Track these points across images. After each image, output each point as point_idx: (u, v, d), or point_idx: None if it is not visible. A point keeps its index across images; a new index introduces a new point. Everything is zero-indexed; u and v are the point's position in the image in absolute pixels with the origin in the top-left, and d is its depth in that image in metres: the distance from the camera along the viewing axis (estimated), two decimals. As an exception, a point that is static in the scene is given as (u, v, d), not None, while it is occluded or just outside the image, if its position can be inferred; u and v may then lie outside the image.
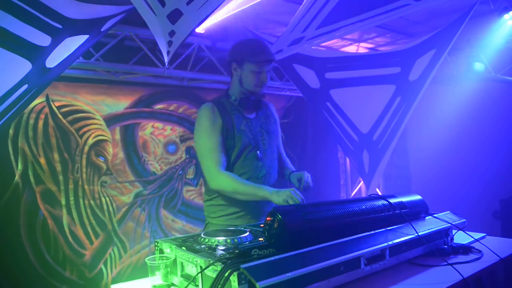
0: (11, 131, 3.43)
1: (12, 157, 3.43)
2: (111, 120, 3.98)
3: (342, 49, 5.18)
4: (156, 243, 1.66)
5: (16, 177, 3.44)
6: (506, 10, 3.84)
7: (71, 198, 3.67)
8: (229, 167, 2.19)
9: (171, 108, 4.40)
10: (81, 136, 3.78)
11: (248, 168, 2.21)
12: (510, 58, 4.89)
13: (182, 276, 1.50)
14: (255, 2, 3.09)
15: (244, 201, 2.15)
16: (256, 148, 2.23)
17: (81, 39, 2.42)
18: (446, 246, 1.81)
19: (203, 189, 4.54)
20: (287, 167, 2.45)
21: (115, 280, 3.86)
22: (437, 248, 1.77)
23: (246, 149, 2.20)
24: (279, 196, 1.96)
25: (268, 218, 1.44)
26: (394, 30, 4.64)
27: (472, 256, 1.74)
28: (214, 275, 1.25)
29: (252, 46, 2.25)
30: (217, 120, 2.17)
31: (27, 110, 3.47)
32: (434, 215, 1.93)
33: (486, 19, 4.10)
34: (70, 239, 3.63)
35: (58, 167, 3.63)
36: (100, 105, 3.92)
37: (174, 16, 2.33)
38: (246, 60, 2.19)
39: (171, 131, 4.38)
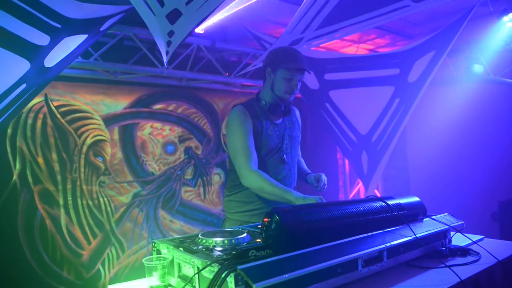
0: (9, 131, 3.42)
1: (10, 156, 3.42)
2: (109, 120, 3.98)
3: (342, 50, 5.18)
4: (153, 244, 1.66)
5: (14, 177, 3.43)
6: (505, 12, 3.84)
7: (69, 198, 3.67)
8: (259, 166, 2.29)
9: (170, 108, 4.40)
10: (79, 136, 3.77)
11: (270, 170, 2.30)
12: (509, 60, 4.89)
13: (179, 277, 1.49)
14: (254, 1, 3.09)
15: (261, 201, 2.25)
16: (280, 152, 2.33)
17: (80, 38, 2.41)
18: (444, 248, 1.81)
19: (201, 189, 4.55)
20: (302, 168, 2.57)
21: (112, 281, 3.85)
22: (435, 250, 1.77)
23: (272, 152, 2.31)
24: (305, 202, 2.02)
25: (265, 219, 1.43)
26: (394, 31, 4.64)
27: (470, 258, 1.73)
28: (211, 276, 1.24)
29: (288, 53, 2.33)
30: (249, 121, 2.27)
31: (25, 110, 3.47)
32: (432, 217, 1.93)
33: (485, 21, 4.10)
34: (68, 239, 3.63)
35: (56, 167, 3.62)
36: (98, 105, 3.92)
37: (173, 16, 2.33)
38: (280, 66, 2.27)
39: (170, 131, 4.38)
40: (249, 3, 3.08)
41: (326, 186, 2.37)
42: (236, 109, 2.33)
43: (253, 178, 2.18)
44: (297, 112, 2.58)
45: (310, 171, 2.54)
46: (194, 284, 1.37)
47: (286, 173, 2.36)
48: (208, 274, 1.28)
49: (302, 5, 2.95)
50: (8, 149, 3.42)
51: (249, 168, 2.19)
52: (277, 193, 2.13)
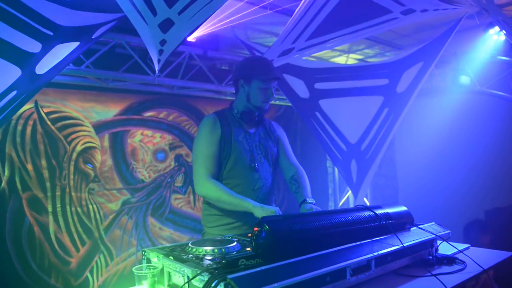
0: (-2, 137, 3.40)
1: (-2, 163, 3.39)
2: (100, 127, 3.97)
3: (332, 60, 5.24)
4: (143, 252, 1.66)
5: (3, 184, 3.40)
6: (491, 25, 3.93)
7: (58, 205, 3.64)
8: (219, 178, 2.26)
9: (161, 115, 4.40)
10: (69, 143, 3.75)
11: (243, 179, 2.27)
12: (495, 72, 4.99)
13: (169, 285, 1.50)
14: (246, 12, 3.13)
15: (240, 212, 2.18)
16: (252, 160, 2.29)
17: (71, 46, 2.41)
18: (430, 257, 1.84)
19: (191, 197, 4.55)
20: (301, 192, 2.35)
21: (101, 288, 3.83)
22: (422, 259, 1.80)
23: (242, 159, 2.27)
24: (263, 211, 2.01)
25: (255, 228, 1.45)
26: (383, 42, 4.72)
27: (456, 267, 1.77)
28: (201, 285, 1.25)
29: (259, 64, 2.34)
30: (217, 131, 2.25)
31: (15, 116, 3.45)
32: (419, 226, 1.96)
33: (472, 33, 4.19)
34: (56, 246, 3.60)
35: (46, 174, 3.60)
36: (89, 112, 3.91)
37: (166, 25, 2.35)
38: (254, 77, 2.27)
39: (160, 139, 4.38)
40: (241, 14, 3.12)
41: None
42: (206, 117, 2.33)
43: (209, 187, 2.16)
44: (277, 127, 2.56)
45: (307, 197, 2.30)
46: (184, 293, 1.38)
47: (262, 183, 2.32)
48: (198, 283, 1.29)
49: (293, 15, 3.00)
50: (-3, 156, 3.39)
51: (205, 178, 2.17)
52: (235, 202, 2.12)
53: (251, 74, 2.28)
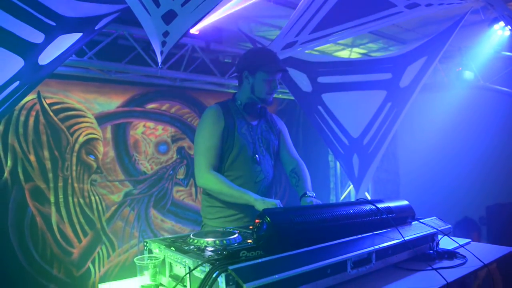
0: (1, 128, 3.40)
1: (1, 153, 3.40)
2: (102, 119, 3.97)
3: (335, 54, 5.22)
4: (145, 243, 1.67)
5: (5, 174, 3.41)
6: (496, 20, 3.90)
7: (60, 196, 3.66)
8: (221, 170, 2.26)
9: (163, 108, 4.40)
10: (72, 134, 3.76)
11: (245, 171, 2.27)
12: (499, 68, 4.97)
13: (170, 276, 1.51)
14: (249, 3, 3.12)
15: (242, 204, 2.18)
16: (254, 152, 2.29)
17: (74, 37, 2.41)
18: (431, 251, 1.84)
19: (193, 189, 4.56)
20: (302, 185, 2.35)
21: (102, 279, 3.85)
22: (423, 253, 1.80)
23: (245, 151, 2.27)
24: (264, 205, 2.02)
25: (257, 220, 1.45)
26: (386, 36, 4.70)
27: (456, 262, 1.77)
28: (202, 276, 1.26)
29: (265, 55, 2.32)
30: (220, 122, 2.24)
31: (18, 107, 3.45)
32: (420, 220, 1.97)
33: (477, 28, 4.17)
34: (59, 237, 3.62)
35: (48, 165, 3.61)
36: (92, 103, 3.91)
37: (169, 17, 2.34)
38: (259, 69, 2.26)
39: (162, 131, 4.38)
40: (244, 4, 3.10)
41: None
42: (209, 108, 2.32)
43: (210, 179, 2.16)
44: (278, 120, 2.56)
45: (308, 191, 2.30)
46: (185, 284, 1.38)
47: (264, 175, 2.32)
48: (199, 274, 1.30)
49: (297, 8, 2.98)
50: (0, 146, 3.40)
51: (207, 169, 2.17)
52: (236, 194, 2.12)
53: (256, 66, 2.27)
